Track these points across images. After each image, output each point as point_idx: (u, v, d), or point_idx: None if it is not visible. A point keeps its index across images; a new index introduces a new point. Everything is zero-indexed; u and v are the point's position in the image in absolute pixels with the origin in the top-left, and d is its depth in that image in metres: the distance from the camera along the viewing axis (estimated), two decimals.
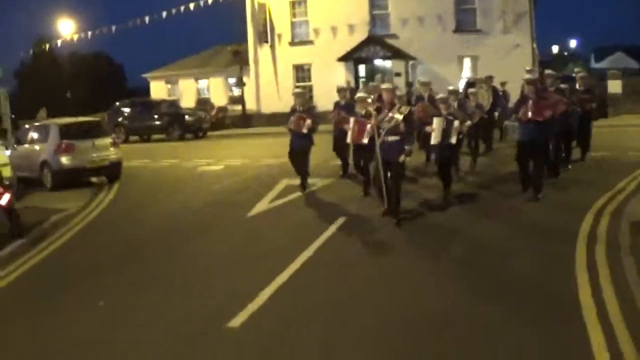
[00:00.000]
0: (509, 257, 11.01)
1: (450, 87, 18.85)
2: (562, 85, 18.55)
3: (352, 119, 16.02)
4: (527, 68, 24.40)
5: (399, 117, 13.59)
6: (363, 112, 16.20)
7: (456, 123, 15.41)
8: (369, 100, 17.08)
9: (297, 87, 41.58)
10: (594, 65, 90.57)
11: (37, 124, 25.19)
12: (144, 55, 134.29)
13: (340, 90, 19.58)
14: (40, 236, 15.16)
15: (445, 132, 15.30)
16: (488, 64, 38.68)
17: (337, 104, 19.18)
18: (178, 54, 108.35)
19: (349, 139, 16.22)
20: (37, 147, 22.26)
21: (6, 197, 14.65)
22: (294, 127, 17.59)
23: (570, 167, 18.36)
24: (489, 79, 23.90)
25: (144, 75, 54.38)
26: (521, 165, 15.29)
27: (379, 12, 43.97)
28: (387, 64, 43.27)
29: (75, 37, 45.47)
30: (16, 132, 25.26)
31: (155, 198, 19.20)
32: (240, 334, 8.58)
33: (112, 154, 22.34)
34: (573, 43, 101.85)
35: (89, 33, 44.22)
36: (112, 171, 22.29)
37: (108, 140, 22.49)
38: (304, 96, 18.61)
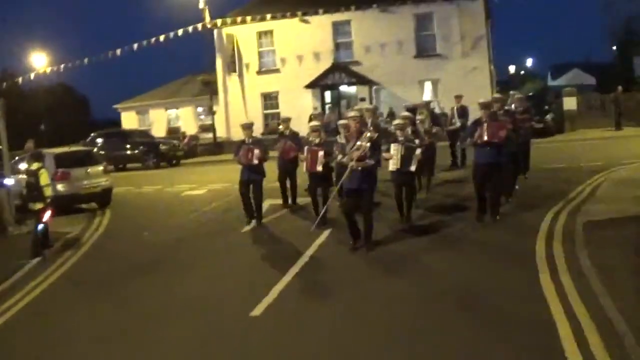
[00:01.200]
0: (485, 264, 12.19)
1: (405, 112, 18.57)
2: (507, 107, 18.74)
3: (305, 148, 16.61)
4: (496, 95, 24.66)
5: (366, 144, 13.52)
6: (317, 140, 16.47)
7: (418, 151, 15.20)
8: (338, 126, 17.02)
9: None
10: (551, 82, 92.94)
11: (30, 153, 26.45)
12: (112, 87, 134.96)
13: (284, 121, 19.66)
14: (54, 255, 16.60)
15: (405, 159, 15.08)
16: (448, 87, 40.68)
17: (281, 135, 19.28)
18: (148, 85, 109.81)
19: (304, 169, 16.74)
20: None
21: (48, 213, 16.88)
22: (243, 160, 17.40)
23: (526, 176, 19.71)
24: (427, 104, 24.02)
25: (115, 106, 55.65)
26: (478, 188, 15.17)
27: (343, 40, 45.78)
28: (352, 89, 45.03)
29: (44, 70, 46.52)
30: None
31: (151, 219, 20.51)
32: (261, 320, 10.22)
33: (104, 180, 23.75)
34: (530, 62, 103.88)
35: (60, 66, 45.16)
36: (104, 197, 23.63)
37: (100, 168, 23.91)
38: (251, 128, 18.00)
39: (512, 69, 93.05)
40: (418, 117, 19.56)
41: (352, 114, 14.65)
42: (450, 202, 18.17)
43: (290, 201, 19.56)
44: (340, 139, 15.52)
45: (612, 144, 27.03)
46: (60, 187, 22.54)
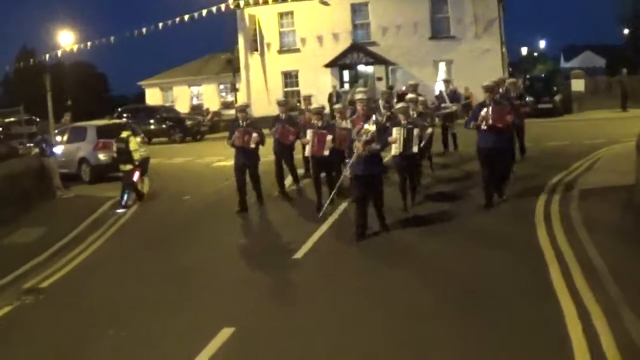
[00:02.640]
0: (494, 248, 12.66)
1: (410, 95, 18.19)
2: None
3: (310, 131, 15.95)
4: (507, 77, 23.81)
5: (372, 128, 13.29)
6: (319, 123, 16.05)
7: (416, 131, 14.90)
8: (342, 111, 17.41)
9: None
10: (563, 64, 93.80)
11: (72, 126, 28.41)
12: (132, 65, 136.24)
13: (281, 104, 18.72)
14: (105, 215, 18.60)
15: (407, 142, 14.80)
16: (461, 68, 42.62)
17: (277, 118, 18.62)
18: (168, 63, 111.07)
19: (307, 152, 16.31)
20: (75, 146, 25.54)
21: (137, 174, 19.70)
22: (238, 142, 16.83)
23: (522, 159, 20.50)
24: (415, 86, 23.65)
25: (139, 83, 57.61)
26: (485, 172, 15.11)
27: (361, 21, 47.27)
28: (369, 69, 46.69)
29: (70, 47, 48.16)
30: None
31: (187, 185, 22.34)
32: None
33: (142, 151, 25.65)
34: (542, 44, 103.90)
35: (87, 44, 46.81)
36: (142, 166, 25.54)
37: (138, 139, 25.81)
38: (246, 111, 17.46)
39: (524, 50, 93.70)
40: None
41: (359, 96, 14.69)
42: (450, 187, 17.97)
43: (292, 183, 19.23)
44: (341, 123, 16.38)
45: (616, 124, 28.63)
46: (101, 156, 24.55)
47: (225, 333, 9.23)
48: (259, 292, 11.15)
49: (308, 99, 20.74)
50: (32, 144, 26.38)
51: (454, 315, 9.18)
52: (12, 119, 35.85)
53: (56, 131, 27.99)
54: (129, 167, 19.70)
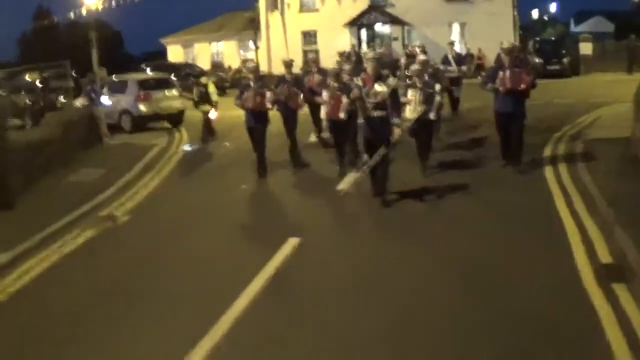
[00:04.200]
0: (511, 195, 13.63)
1: (422, 57, 16.86)
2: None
3: (325, 93, 15.62)
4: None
5: (385, 89, 12.86)
6: (335, 84, 15.52)
7: (438, 98, 15.02)
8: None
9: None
10: (574, 29, 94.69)
11: (112, 79, 30.28)
12: (149, 23, 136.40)
13: (287, 65, 18.06)
14: (152, 161, 20.59)
15: (425, 106, 14.73)
16: (474, 30, 44.60)
17: (282, 79, 17.88)
18: (190, 21, 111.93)
19: (322, 115, 16.13)
20: (116, 98, 27.52)
21: (214, 113, 22.70)
22: (250, 104, 16.04)
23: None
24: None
25: (161, 40, 59.42)
26: (502, 136, 15.16)
27: None
28: (386, 29, 48.48)
29: (96, 7, 49.76)
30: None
31: (223, 134, 23.79)
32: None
33: (178, 103, 27.71)
34: (553, 7, 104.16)
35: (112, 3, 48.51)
36: (178, 117, 27.60)
37: (175, 92, 27.86)
38: (258, 71, 17.05)
39: (535, 14, 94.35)
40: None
41: (369, 55, 13.82)
42: (459, 154, 17.62)
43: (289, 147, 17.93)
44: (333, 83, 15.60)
45: (620, 85, 30.16)
46: (142, 107, 26.57)
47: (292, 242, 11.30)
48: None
49: (342, 54, 21.96)
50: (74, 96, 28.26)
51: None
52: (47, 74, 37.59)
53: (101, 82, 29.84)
54: (207, 107, 22.54)
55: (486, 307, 8.31)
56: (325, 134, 17.80)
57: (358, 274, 9.85)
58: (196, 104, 23.04)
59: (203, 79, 23.42)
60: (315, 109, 18.58)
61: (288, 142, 17.66)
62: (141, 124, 26.68)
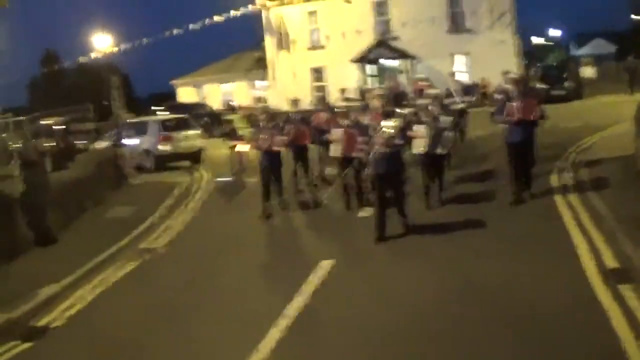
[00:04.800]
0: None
1: (432, 91, 17.41)
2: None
3: (339, 130, 15.62)
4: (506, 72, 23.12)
5: (395, 124, 13.01)
6: (346, 122, 15.62)
7: (446, 133, 15.05)
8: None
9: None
10: (576, 51, 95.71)
11: (133, 120, 31.50)
12: (161, 65, 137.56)
13: (293, 104, 18.36)
14: (181, 197, 21.62)
15: (434, 141, 14.75)
16: (478, 59, 45.62)
17: (288, 119, 18.10)
18: (195, 62, 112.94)
19: (333, 152, 16.01)
20: (138, 139, 28.72)
21: (244, 146, 21.51)
22: (263, 145, 16.40)
23: None
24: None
25: (172, 82, 60.91)
26: (514, 167, 14.87)
27: (382, 17, 50.41)
28: (392, 62, 49.77)
29: (109, 50, 50.92)
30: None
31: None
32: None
33: (198, 142, 28.86)
34: (554, 32, 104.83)
35: (120, 47, 49.76)
36: (198, 156, 28.72)
37: (195, 132, 29.02)
38: (269, 113, 17.31)
39: (536, 39, 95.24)
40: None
41: (378, 92, 14.09)
42: (470, 187, 17.44)
43: (306, 184, 18.58)
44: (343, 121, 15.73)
45: (622, 106, 30.88)
46: (164, 147, 27.71)
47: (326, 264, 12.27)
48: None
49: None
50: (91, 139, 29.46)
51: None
52: (59, 118, 38.64)
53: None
54: (235, 142, 23.11)
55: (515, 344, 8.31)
56: (332, 171, 17.90)
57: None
58: (225, 136, 24.72)
59: (229, 116, 24.21)
60: (321, 147, 18.81)
61: (304, 177, 18.37)
62: (162, 163, 27.77)
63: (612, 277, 9.77)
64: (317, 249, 13.73)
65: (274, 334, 9.25)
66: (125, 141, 26.99)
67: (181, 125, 29.30)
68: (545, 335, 8.27)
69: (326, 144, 17.24)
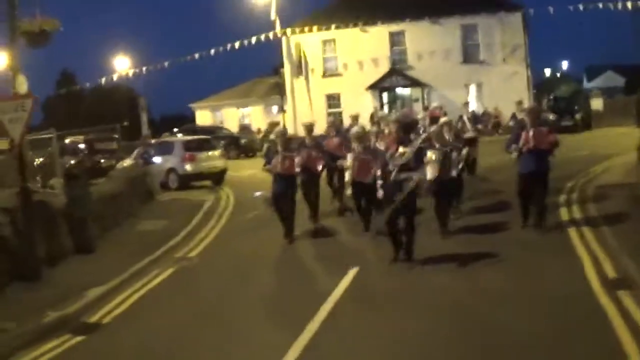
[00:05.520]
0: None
1: (444, 119, 17.20)
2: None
3: (350, 156, 15.56)
4: (520, 101, 23.97)
5: (409, 151, 12.92)
6: (360, 148, 15.48)
7: (454, 155, 15.09)
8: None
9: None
10: (587, 84, 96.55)
11: (159, 140, 32.72)
12: (176, 88, 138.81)
13: (307, 129, 17.87)
14: (208, 214, 22.71)
15: (443, 165, 14.75)
16: (490, 90, 46.96)
17: (302, 144, 17.67)
18: (208, 86, 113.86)
19: (347, 178, 15.85)
20: (163, 158, 29.89)
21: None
22: (280, 169, 16.07)
23: None
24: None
25: (190, 105, 62.49)
26: (524, 199, 14.92)
27: (398, 47, 51.87)
28: (406, 91, 51.07)
29: (126, 72, 51.69)
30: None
31: (258, 187, 23.66)
32: None
33: (220, 163, 30.06)
34: (565, 65, 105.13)
35: (142, 69, 50.55)
36: (220, 176, 29.91)
37: (217, 152, 30.23)
38: (285, 136, 17.03)
39: (547, 72, 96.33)
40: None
41: (392, 118, 14.21)
42: (480, 218, 17.35)
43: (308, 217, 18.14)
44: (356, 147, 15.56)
45: (629, 138, 31.98)
46: (188, 167, 28.89)
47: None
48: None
49: (356, 118, 20.90)
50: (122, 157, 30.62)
51: None
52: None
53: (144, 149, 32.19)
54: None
55: None
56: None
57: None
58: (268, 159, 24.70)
59: (271, 136, 24.89)
60: (333, 173, 18.96)
61: (308, 208, 17.97)
62: (186, 182, 28.91)
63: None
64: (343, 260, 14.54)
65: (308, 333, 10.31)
66: (158, 159, 28.08)
67: (204, 145, 30.53)
68: None
69: (340, 171, 17.56)
